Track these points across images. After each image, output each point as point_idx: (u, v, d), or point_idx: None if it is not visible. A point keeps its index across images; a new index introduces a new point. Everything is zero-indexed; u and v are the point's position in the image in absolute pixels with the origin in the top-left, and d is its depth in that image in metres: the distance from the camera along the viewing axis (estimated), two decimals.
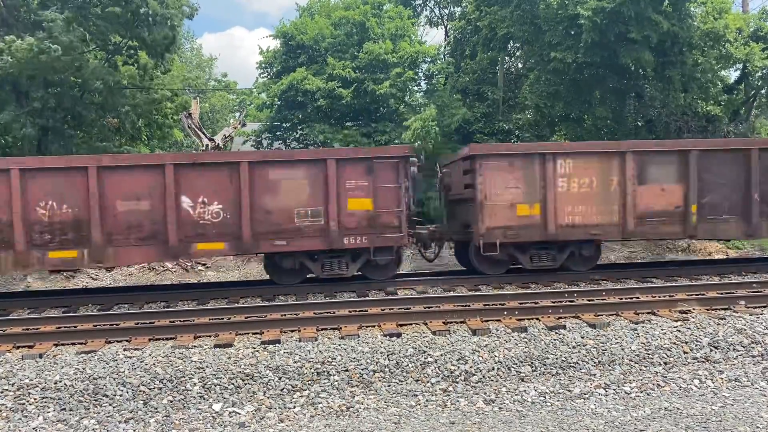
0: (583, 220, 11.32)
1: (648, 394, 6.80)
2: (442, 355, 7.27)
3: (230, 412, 6.42)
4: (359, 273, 11.46)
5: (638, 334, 7.79)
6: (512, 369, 7.15)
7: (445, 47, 27.30)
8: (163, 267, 16.12)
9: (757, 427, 5.91)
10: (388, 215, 10.96)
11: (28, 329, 8.52)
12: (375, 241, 10.96)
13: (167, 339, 8.02)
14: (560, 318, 8.40)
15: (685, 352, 7.51)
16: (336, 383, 6.86)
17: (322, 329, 8.20)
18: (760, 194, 11.59)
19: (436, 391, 6.81)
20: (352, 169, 10.89)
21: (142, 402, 6.53)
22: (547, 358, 7.30)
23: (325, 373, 6.96)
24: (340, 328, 8.19)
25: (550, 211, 11.22)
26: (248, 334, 8.12)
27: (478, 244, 11.27)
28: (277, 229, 10.74)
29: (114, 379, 6.77)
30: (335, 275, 11.12)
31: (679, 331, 7.88)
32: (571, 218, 11.30)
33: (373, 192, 10.91)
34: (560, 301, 8.99)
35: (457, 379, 6.97)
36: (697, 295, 9.38)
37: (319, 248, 10.90)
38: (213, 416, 6.37)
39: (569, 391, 6.84)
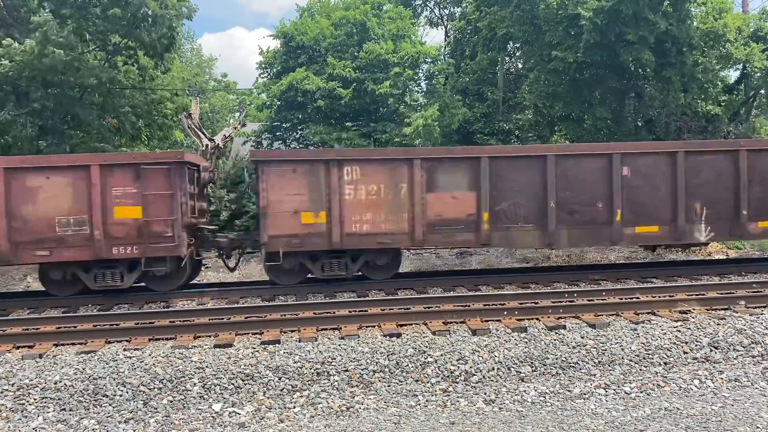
0: (371, 229, 10.85)
1: (648, 395, 6.80)
2: (442, 355, 7.27)
3: (230, 413, 6.42)
4: (141, 284, 11.00)
5: (638, 334, 7.79)
6: (512, 369, 7.15)
7: (445, 47, 27.33)
8: None
9: (757, 428, 5.91)
10: (160, 224, 10.38)
11: (28, 329, 8.52)
12: (147, 251, 10.39)
13: (167, 339, 8.03)
14: (560, 318, 8.40)
15: (685, 353, 7.51)
16: (336, 383, 6.86)
17: (322, 329, 8.20)
18: (557, 201, 11.19)
19: (436, 391, 6.81)
20: (119, 176, 10.32)
21: (142, 402, 6.53)
22: (547, 358, 7.30)
23: (325, 374, 6.97)
24: (340, 328, 8.19)
25: (336, 219, 10.73)
26: (248, 334, 8.12)
27: (262, 253, 10.85)
28: (37, 238, 10.19)
29: (114, 380, 6.78)
30: (109, 287, 10.61)
31: (679, 331, 7.88)
32: (359, 226, 10.84)
33: (142, 200, 10.34)
34: (560, 302, 9.00)
35: (457, 380, 6.97)
36: (697, 295, 9.37)
37: (84, 259, 10.38)
38: (213, 416, 6.37)
39: (569, 391, 6.84)
